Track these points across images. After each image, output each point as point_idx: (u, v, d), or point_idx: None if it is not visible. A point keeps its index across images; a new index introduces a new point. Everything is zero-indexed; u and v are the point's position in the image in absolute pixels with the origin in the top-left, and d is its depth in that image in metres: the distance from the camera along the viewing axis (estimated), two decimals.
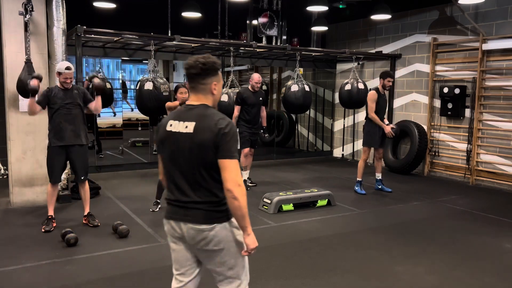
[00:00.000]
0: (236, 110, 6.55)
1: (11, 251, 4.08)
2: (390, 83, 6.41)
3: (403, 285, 3.53)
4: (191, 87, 2.14)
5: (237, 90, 7.00)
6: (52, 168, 4.69)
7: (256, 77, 6.52)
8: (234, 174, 2.01)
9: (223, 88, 7.47)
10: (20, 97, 5.42)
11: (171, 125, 2.12)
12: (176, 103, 5.35)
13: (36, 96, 4.53)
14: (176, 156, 2.10)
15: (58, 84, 4.69)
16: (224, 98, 7.20)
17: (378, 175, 6.78)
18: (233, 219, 2.14)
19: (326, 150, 10.48)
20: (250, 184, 6.82)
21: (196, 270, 2.27)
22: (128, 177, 7.56)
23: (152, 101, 6.36)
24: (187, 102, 2.19)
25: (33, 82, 4.49)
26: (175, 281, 2.30)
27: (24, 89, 5.15)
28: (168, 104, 5.39)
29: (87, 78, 5.15)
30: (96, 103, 4.85)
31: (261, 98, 6.63)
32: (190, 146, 2.05)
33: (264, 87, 11.05)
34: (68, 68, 4.60)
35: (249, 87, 6.56)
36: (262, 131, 6.79)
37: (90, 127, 8.77)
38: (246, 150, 6.56)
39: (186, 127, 2.07)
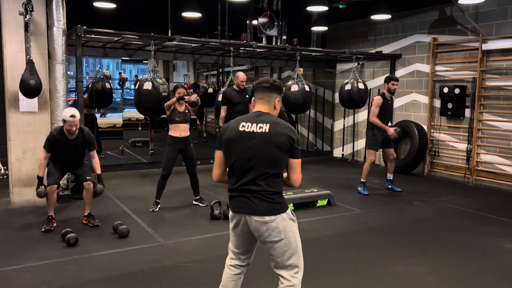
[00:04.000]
0: (223, 110, 6.59)
1: (11, 251, 4.08)
2: (395, 87, 6.39)
3: (403, 285, 3.53)
4: (259, 98, 2.53)
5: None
6: (50, 173, 4.77)
7: (240, 75, 6.56)
8: (299, 173, 2.48)
9: (222, 87, 7.55)
10: (20, 97, 5.42)
11: (243, 126, 2.46)
12: (173, 99, 5.36)
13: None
14: (248, 152, 2.41)
15: (64, 129, 4.62)
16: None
17: (390, 176, 6.78)
18: (288, 211, 2.48)
19: (326, 150, 10.48)
20: None
21: (252, 251, 2.68)
22: (128, 177, 7.56)
23: (151, 101, 6.36)
24: (256, 109, 2.53)
25: (39, 195, 4.63)
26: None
27: (26, 89, 5.15)
28: (166, 103, 5.40)
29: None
30: (95, 161, 4.83)
31: (247, 96, 6.62)
32: (266, 143, 2.39)
33: None
34: (72, 116, 4.51)
35: (234, 86, 6.60)
36: None
37: (90, 127, 8.78)
38: None
39: (261, 127, 2.42)
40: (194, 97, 5.37)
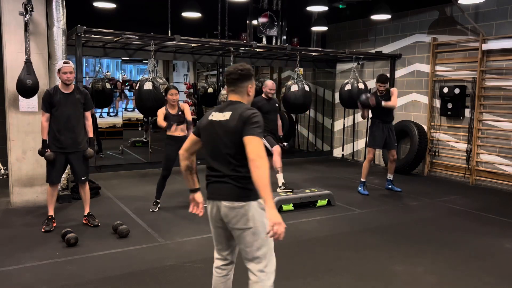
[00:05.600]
0: None
1: (11, 251, 4.08)
2: (382, 88, 6.37)
3: (403, 285, 3.53)
4: (231, 89, 2.55)
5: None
6: (51, 170, 4.70)
7: (269, 84, 6.37)
8: (256, 147, 2.29)
9: (222, 88, 7.55)
10: (20, 97, 5.42)
11: (212, 115, 2.52)
12: (163, 123, 5.25)
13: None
14: (214, 140, 2.47)
15: (59, 84, 4.64)
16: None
17: (390, 176, 6.79)
18: (260, 200, 2.38)
19: (326, 150, 10.48)
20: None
21: (233, 245, 2.62)
22: (128, 177, 7.56)
23: (151, 101, 6.36)
24: (228, 99, 2.56)
25: (48, 158, 4.61)
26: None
27: (23, 89, 5.15)
28: (159, 123, 5.30)
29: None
30: (89, 124, 4.80)
31: (276, 104, 6.48)
32: (225, 130, 2.42)
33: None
34: (66, 62, 4.58)
35: (263, 94, 6.41)
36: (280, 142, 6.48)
37: None
38: (277, 149, 6.19)
39: (224, 116, 2.46)
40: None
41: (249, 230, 2.39)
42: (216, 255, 2.67)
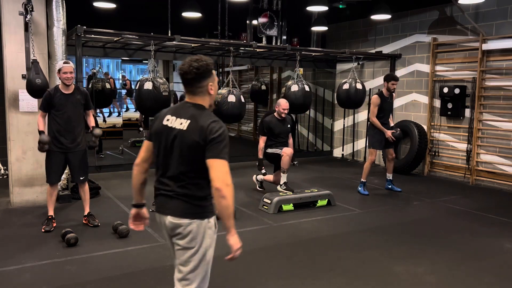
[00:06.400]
0: (262, 141, 6.11)
1: (11, 251, 4.08)
2: (395, 86, 6.35)
3: (403, 285, 3.53)
4: (188, 90, 2.22)
5: (240, 91, 6.82)
6: (50, 170, 4.70)
7: (283, 103, 6.10)
8: (222, 173, 2.05)
9: (222, 88, 7.54)
10: (20, 97, 5.42)
11: (168, 119, 2.22)
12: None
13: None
14: (166, 150, 2.19)
15: (59, 85, 4.64)
16: (231, 99, 7.11)
17: (389, 176, 6.77)
18: (211, 219, 2.22)
19: (326, 150, 10.48)
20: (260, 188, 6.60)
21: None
22: (128, 177, 7.52)
23: (151, 101, 6.35)
24: (186, 100, 2.26)
25: (43, 141, 4.56)
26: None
27: (33, 89, 5.12)
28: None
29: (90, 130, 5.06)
30: (90, 118, 4.84)
31: (289, 126, 6.26)
32: (180, 142, 2.14)
33: (264, 87, 11.09)
34: (66, 62, 4.59)
35: (275, 114, 6.14)
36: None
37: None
38: (288, 150, 6.08)
39: (181, 123, 2.16)
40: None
41: (190, 250, 2.18)
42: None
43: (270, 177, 6.41)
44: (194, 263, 2.19)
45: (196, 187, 2.16)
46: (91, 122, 4.85)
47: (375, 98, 6.38)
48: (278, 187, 6.16)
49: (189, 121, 2.14)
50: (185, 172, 2.14)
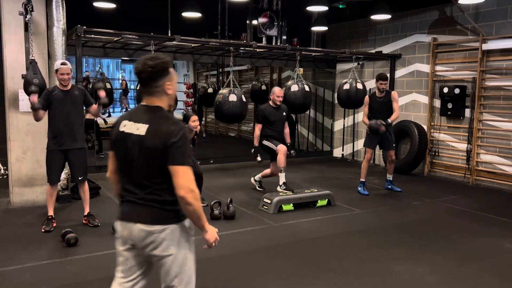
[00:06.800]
0: (258, 128, 6.19)
1: (11, 251, 4.08)
2: (383, 86, 6.34)
3: (403, 285, 3.53)
4: (144, 90, 2.12)
5: (242, 90, 6.83)
6: (51, 169, 4.70)
7: (277, 90, 6.19)
8: (185, 180, 2.00)
9: (222, 88, 7.54)
10: (20, 97, 5.42)
11: (124, 125, 2.12)
12: (192, 133, 5.29)
13: (36, 104, 4.52)
14: (128, 157, 2.11)
15: (57, 84, 4.68)
16: (233, 98, 7.12)
17: (389, 176, 6.79)
18: (185, 222, 2.16)
19: (326, 150, 10.48)
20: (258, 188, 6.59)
21: (141, 277, 2.24)
22: None
23: None
24: (142, 102, 2.16)
25: (32, 99, 4.50)
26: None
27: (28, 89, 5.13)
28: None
29: (95, 85, 5.03)
30: (97, 109, 4.83)
31: (284, 113, 6.30)
32: (139, 148, 2.05)
33: (264, 88, 11.08)
34: (63, 63, 4.61)
35: (270, 102, 6.23)
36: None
37: (90, 127, 8.78)
38: (283, 148, 6.09)
39: (138, 129, 2.06)
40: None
41: (168, 257, 2.09)
42: (115, 285, 2.27)
43: (267, 171, 6.47)
44: (175, 269, 2.11)
45: (164, 192, 2.07)
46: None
47: (365, 98, 6.58)
48: (278, 188, 6.16)
49: (147, 125, 2.04)
50: (149, 177, 2.06)
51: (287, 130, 6.45)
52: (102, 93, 4.71)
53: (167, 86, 2.10)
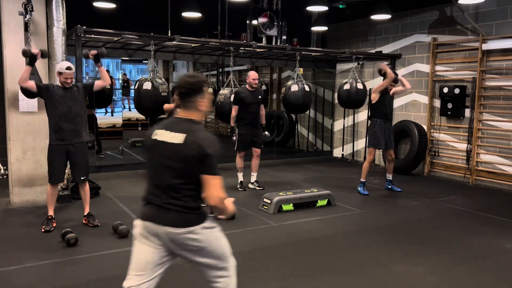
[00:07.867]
0: (234, 110, 6.43)
1: (11, 251, 4.08)
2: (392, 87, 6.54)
3: (403, 285, 3.53)
4: (179, 105, 2.34)
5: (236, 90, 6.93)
6: (53, 167, 4.67)
7: (252, 74, 6.41)
8: (216, 190, 2.19)
9: (222, 88, 7.54)
10: (20, 97, 5.41)
11: (156, 134, 2.30)
12: (173, 105, 5.34)
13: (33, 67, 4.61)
14: (159, 163, 2.27)
15: (58, 83, 4.69)
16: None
17: (389, 176, 6.79)
18: (207, 222, 2.33)
19: (326, 150, 10.48)
20: (257, 188, 6.68)
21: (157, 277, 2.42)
22: (128, 177, 7.56)
23: (150, 101, 6.35)
24: (176, 115, 2.36)
25: (35, 51, 4.57)
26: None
27: (25, 90, 5.10)
28: (166, 106, 5.40)
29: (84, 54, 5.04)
30: (101, 75, 4.88)
31: (260, 97, 6.52)
32: (175, 156, 2.22)
33: (264, 87, 11.09)
34: (68, 68, 4.59)
35: (247, 85, 6.46)
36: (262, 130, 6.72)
37: (90, 127, 8.78)
38: (242, 153, 6.59)
39: (173, 137, 2.23)
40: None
41: (201, 249, 2.30)
42: (127, 283, 2.32)
43: (240, 164, 6.69)
44: (216, 253, 2.34)
45: (191, 199, 2.25)
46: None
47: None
48: (250, 185, 6.68)
49: (185, 135, 2.21)
50: (179, 184, 2.22)
51: (263, 112, 6.70)
52: (92, 51, 4.79)
53: (199, 102, 2.31)
